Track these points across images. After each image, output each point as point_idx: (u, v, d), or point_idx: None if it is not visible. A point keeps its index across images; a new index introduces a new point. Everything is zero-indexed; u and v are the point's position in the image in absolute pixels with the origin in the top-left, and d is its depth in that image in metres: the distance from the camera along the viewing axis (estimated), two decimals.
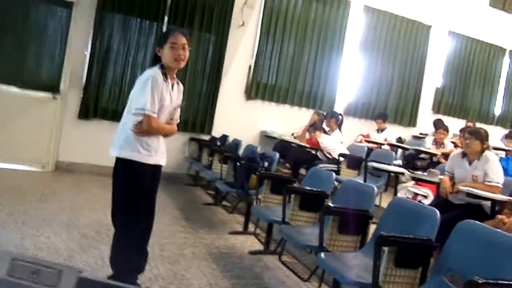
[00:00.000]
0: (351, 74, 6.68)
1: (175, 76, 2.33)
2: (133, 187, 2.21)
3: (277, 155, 4.32)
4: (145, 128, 2.17)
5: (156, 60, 2.27)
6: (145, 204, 2.28)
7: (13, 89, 5.07)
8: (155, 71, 2.20)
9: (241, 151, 4.92)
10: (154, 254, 3.01)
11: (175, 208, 4.38)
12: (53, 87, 5.22)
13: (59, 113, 5.26)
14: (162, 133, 2.28)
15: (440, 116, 7.00)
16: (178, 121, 2.43)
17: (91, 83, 5.23)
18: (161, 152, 2.30)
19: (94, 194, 4.43)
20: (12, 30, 5.02)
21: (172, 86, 2.29)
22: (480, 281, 1.61)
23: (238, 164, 3.97)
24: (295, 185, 3.45)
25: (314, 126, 5.31)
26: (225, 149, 4.99)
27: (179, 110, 2.42)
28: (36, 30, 5.11)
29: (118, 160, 2.22)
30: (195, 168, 5.55)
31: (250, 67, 6.02)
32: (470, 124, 6.67)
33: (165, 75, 2.22)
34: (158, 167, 2.31)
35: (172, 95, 2.28)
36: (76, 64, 5.24)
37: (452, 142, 5.73)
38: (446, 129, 5.70)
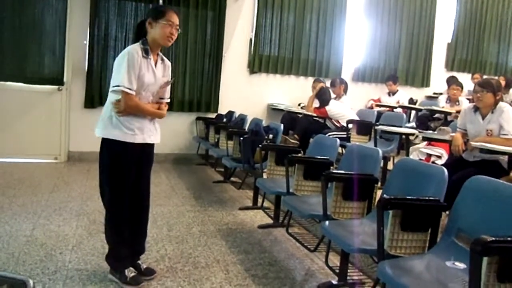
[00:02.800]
0: (357, 38, 6.42)
1: (159, 52, 2.23)
2: (118, 167, 2.16)
3: (282, 126, 4.22)
4: (123, 106, 2.09)
5: (139, 34, 2.17)
6: (131, 183, 2.21)
7: (18, 85, 5.10)
8: (134, 47, 2.11)
9: (247, 126, 4.84)
10: (161, 235, 3.02)
11: (185, 189, 4.37)
12: (57, 80, 5.23)
13: (65, 105, 5.29)
14: (143, 113, 2.16)
15: (454, 73, 6.68)
16: (169, 100, 2.33)
17: (93, 72, 5.21)
18: (150, 130, 2.21)
19: None
20: (11, 27, 5.00)
21: (156, 62, 2.20)
22: (488, 239, 1.50)
23: (241, 138, 3.90)
24: (300, 155, 3.37)
25: (322, 98, 5.13)
26: (231, 125, 4.92)
27: (168, 88, 2.32)
28: (34, 25, 5.08)
29: (103, 140, 2.17)
30: (204, 147, 5.52)
31: (251, 40, 5.86)
32: (477, 76, 6.36)
33: (146, 51, 2.13)
34: (147, 146, 2.23)
35: (156, 72, 2.19)
36: (77, 55, 5.22)
37: (468, 99, 5.48)
38: (459, 85, 5.45)
